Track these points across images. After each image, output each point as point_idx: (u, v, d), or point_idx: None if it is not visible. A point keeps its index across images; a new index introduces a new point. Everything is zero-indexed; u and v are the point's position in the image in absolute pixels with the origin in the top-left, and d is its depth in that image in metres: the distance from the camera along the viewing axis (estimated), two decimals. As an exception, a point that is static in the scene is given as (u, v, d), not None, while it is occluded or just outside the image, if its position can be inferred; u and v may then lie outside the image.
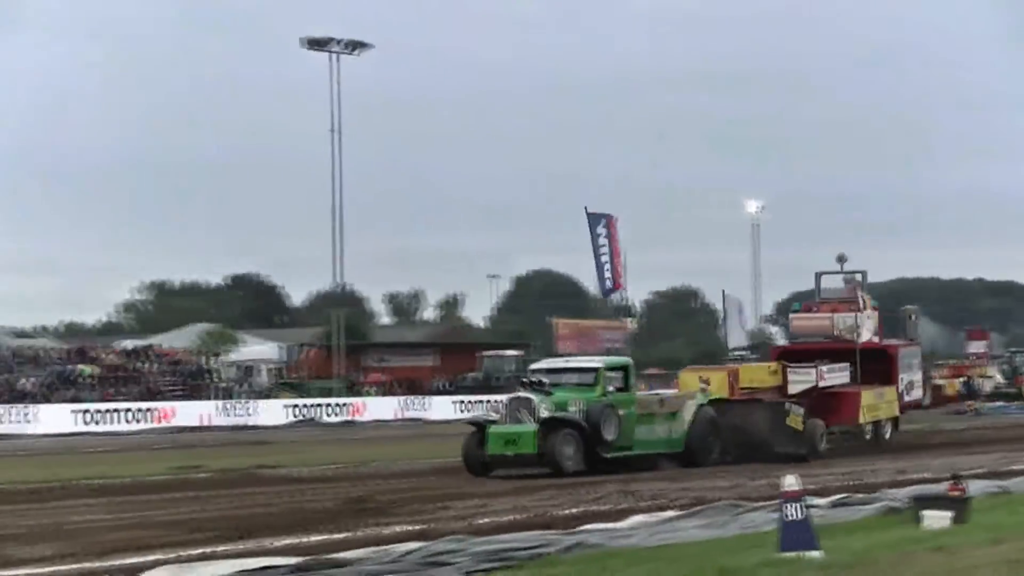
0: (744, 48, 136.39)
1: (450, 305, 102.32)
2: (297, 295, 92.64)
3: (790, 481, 7.89)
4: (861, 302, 23.76)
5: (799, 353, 23.15)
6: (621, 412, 18.45)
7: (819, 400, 21.40)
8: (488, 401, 34.90)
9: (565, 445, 17.65)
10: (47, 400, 42.93)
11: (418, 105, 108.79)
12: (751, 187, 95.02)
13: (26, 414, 40.38)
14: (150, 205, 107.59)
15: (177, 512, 13.77)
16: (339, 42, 49.32)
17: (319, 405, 47.03)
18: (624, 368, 19.91)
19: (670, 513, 11.52)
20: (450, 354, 63.42)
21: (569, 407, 18.27)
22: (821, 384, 21.63)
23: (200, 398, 45.66)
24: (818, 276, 24.97)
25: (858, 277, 25.10)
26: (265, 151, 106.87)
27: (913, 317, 26.97)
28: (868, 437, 22.70)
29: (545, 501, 14.43)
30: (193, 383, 47.88)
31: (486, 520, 12.25)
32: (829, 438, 21.47)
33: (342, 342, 52.67)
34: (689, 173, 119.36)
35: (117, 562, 9.28)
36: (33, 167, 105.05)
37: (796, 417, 19.97)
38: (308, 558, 8.56)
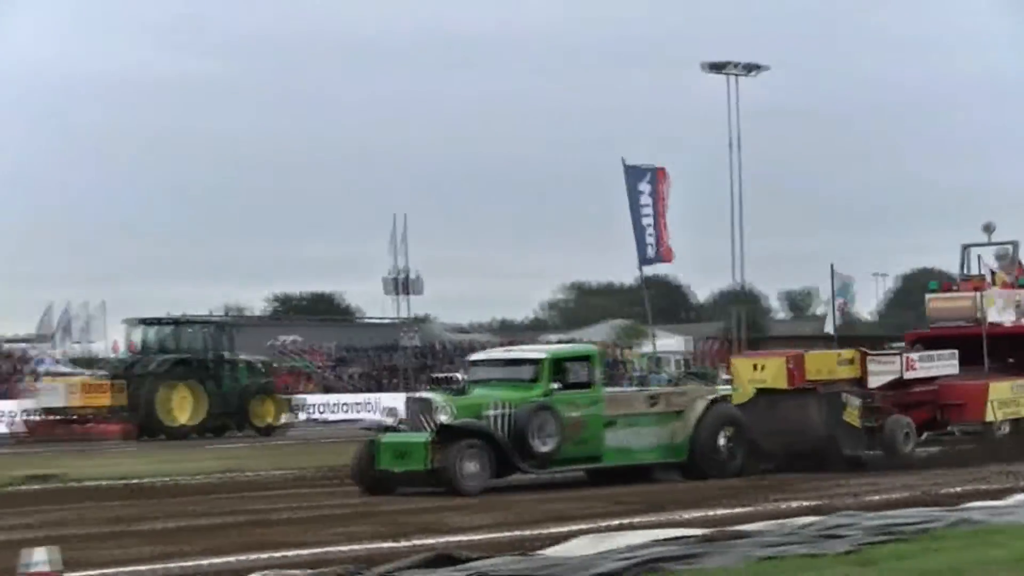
0: None
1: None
2: (701, 293, 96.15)
3: None
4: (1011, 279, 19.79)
5: (937, 340, 19.41)
6: (575, 414, 14.67)
7: (925, 395, 17.75)
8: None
9: (465, 460, 13.89)
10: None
11: (808, 119, 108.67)
12: None
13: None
14: (571, 213, 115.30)
15: (597, 489, 14.69)
16: (736, 65, 52.31)
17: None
18: (587, 358, 15.87)
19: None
20: (843, 346, 62.69)
21: (486, 410, 14.46)
22: (909, 375, 17.45)
23: (615, 386, 48.24)
24: (964, 249, 20.98)
25: (1009, 249, 20.73)
26: (671, 164, 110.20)
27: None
28: (1001, 437, 18.25)
29: (932, 479, 14.49)
30: (609, 373, 50.64)
31: (876, 497, 12.41)
32: (945, 439, 18.70)
33: (742, 335, 55.30)
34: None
35: (544, 531, 10.17)
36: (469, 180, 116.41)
37: (852, 411, 16.28)
38: (714, 529, 9.12)
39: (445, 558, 7.70)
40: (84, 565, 8.04)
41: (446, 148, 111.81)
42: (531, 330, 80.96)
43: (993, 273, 19.88)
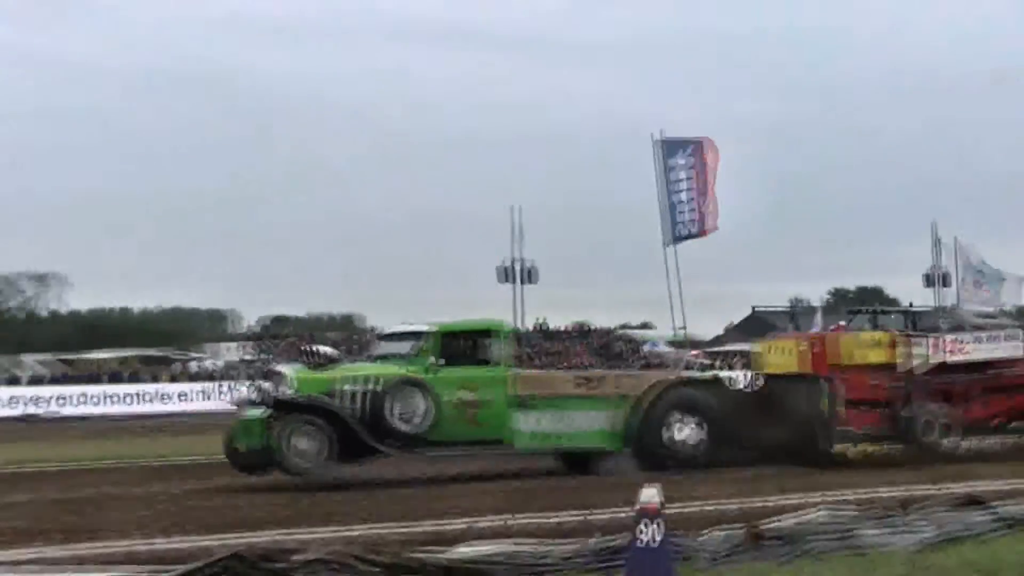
0: None
1: None
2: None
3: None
4: None
5: None
6: (466, 394, 13.52)
7: (974, 385, 15.48)
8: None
9: (296, 437, 12.81)
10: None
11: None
12: None
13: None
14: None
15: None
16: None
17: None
18: (487, 333, 14.35)
19: None
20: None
21: (341, 385, 13.21)
22: (952, 359, 15.18)
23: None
24: None
25: None
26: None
27: None
28: None
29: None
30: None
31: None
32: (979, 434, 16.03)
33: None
34: None
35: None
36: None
37: (825, 399, 14.48)
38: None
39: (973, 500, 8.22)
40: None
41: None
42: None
43: None
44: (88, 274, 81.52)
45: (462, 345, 14.05)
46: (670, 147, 24.27)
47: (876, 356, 15.14)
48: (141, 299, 70.97)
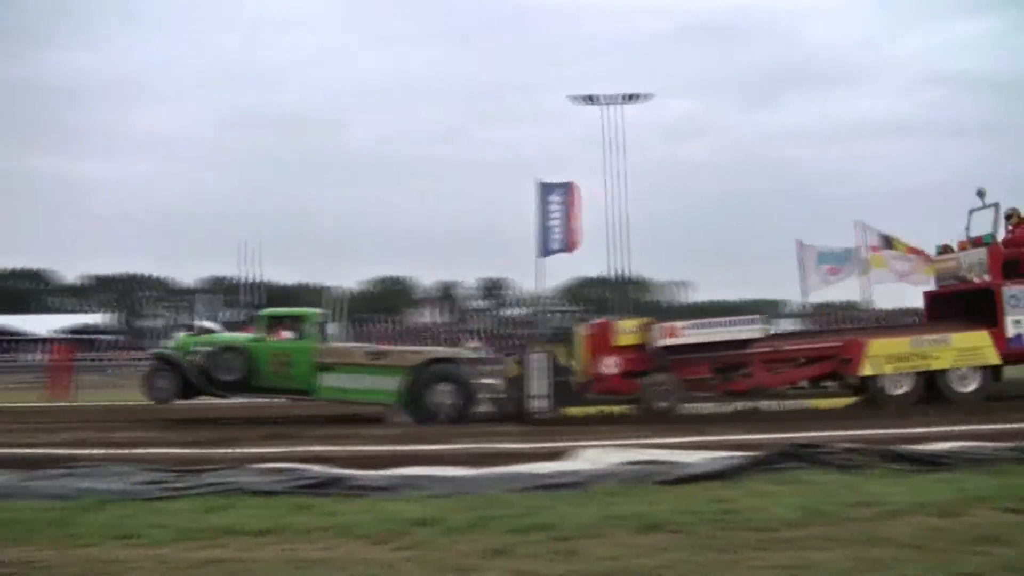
0: None
1: None
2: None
3: None
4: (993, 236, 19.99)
5: (944, 297, 20.99)
6: (280, 357, 18.53)
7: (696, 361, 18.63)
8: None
9: (156, 379, 18.71)
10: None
11: None
12: None
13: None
14: None
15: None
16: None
17: None
18: (301, 318, 19.20)
19: None
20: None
21: (193, 347, 18.92)
22: (668, 342, 18.49)
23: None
24: (970, 214, 21.12)
25: (991, 211, 20.55)
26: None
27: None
28: (880, 393, 18.49)
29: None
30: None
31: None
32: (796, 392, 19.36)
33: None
34: None
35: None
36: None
37: (509, 368, 19.23)
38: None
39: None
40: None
41: None
42: None
43: (992, 235, 20.25)
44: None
45: (281, 325, 19.34)
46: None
47: (635, 339, 18.93)
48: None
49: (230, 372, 18.42)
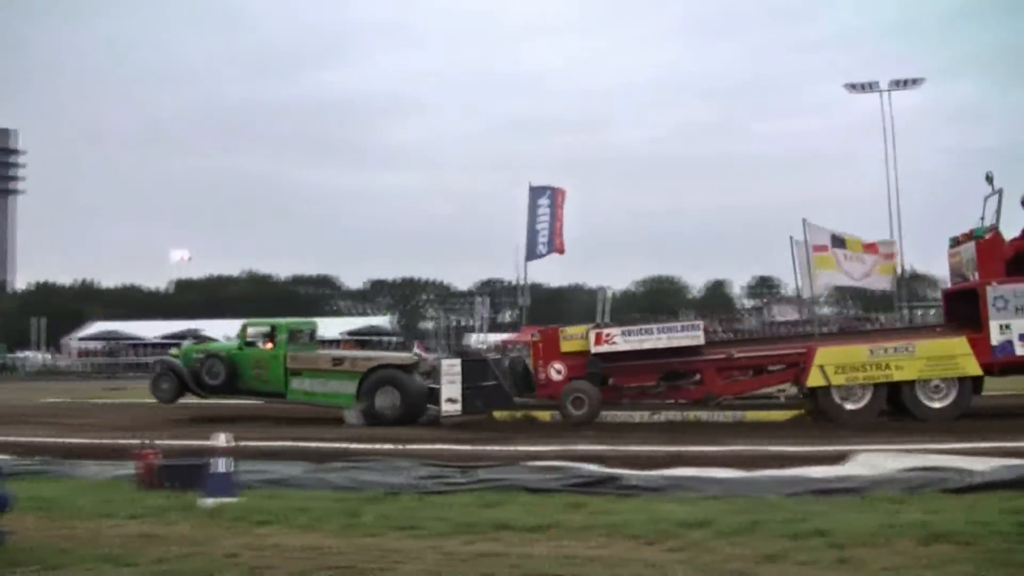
0: None
1: None
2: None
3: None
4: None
5: (958, 296, 18.38)
6: (257, 365, 20.42)
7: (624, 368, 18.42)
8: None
9: (160, 381, 21.10)
10: None
11: None
12: None
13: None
14: None
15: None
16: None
17: None
18: (272, 329, 21.09)
19: None
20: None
21: (194, 355, 21.30)
22: (597, 349, 18.18)
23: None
24: (986, 200, 18.15)
25: (994, 199, 17.73)
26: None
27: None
28: (832, 406, 16.97)
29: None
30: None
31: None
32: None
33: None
34: None
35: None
36: None
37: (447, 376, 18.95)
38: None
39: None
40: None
41: None
42: None
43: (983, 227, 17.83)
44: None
45: (254, 336, 21.39)
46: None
47: (578, 345, 18.60)
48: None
49: (215, 377, 20.58)
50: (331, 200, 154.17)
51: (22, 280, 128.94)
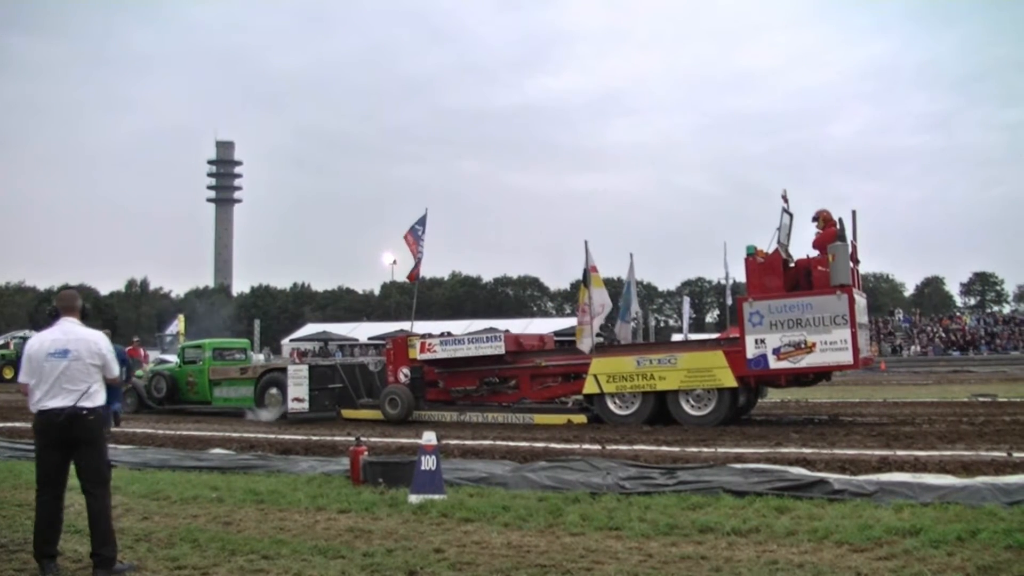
0: None
1: None
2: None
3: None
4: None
5: None
6: (190, 378, 24.62)
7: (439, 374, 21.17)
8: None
9: (126, 397, 23.91)
10: None
11: None
12: None
13: None
14: None
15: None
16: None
17: None
18: (199, 347, 25.44)
19: None
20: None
21: (150, 374, 25.52)
22: (420, 356, 20.86)
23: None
24: (788, 216, 18.70)
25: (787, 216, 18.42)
26: None
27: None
28: (605, 411, 18.66)
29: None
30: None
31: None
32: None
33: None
34: None
35: None
36: None
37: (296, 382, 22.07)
38: None
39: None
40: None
41: None
42: None
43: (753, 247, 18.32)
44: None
45: (193, 354, 25.32)
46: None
47: (414, 353, 20.93)
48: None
49: (159, 392, 24.84)
50: (549, 201, 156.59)
51: (242, 284, 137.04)
